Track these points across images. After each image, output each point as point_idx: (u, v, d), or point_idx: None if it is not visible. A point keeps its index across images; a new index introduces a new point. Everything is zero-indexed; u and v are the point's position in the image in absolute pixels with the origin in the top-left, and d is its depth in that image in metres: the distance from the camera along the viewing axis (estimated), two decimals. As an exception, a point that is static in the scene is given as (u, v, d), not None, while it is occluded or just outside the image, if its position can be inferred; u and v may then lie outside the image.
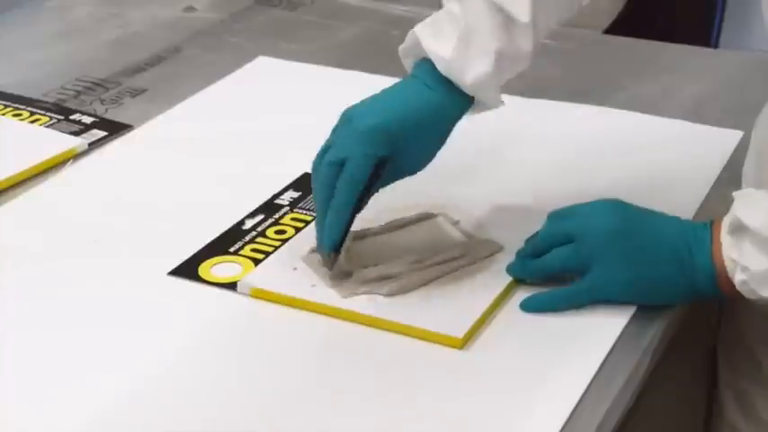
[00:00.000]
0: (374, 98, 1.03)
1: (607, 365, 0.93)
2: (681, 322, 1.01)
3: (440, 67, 1.01)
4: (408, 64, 1.06)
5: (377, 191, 1.02)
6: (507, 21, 1.01)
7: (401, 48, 1.06)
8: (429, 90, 1.02)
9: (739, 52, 1.58)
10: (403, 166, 1.02)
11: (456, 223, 1.10)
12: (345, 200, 0.99)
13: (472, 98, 1.03)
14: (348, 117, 1.01)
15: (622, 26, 2.16)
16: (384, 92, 1.04)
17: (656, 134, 1.28)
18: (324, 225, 1.00)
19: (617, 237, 0.98)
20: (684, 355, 1.11)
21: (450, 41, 1.01)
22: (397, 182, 1.12)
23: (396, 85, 1.05)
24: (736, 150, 1.22)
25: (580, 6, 1.08)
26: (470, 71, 1.01)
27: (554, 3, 1.04)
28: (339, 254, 1.01)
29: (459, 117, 1.04)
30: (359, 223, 1.08)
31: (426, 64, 1.03)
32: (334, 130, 1.02)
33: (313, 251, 1.05)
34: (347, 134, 1.00)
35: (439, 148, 1.03)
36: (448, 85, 1.02)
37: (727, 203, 0.98)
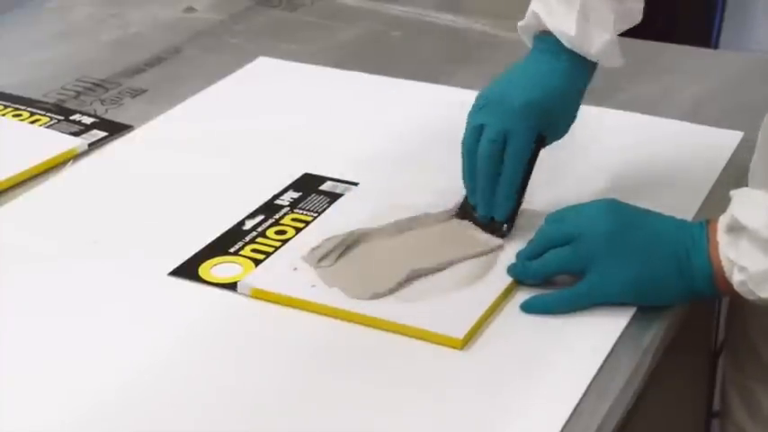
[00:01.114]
0: (513, 76, 1.08)
1: (607, 365, 0.93)
2: (681, 323, 1.01)
3: (565, 42, 1.06)
4: (528, 39, 1.11)
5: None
6: None
7: (520, 25, 1.11)
8: (561, 62, 1.07)
9: (739, 53, 1.58)
10: (550, 136, 1.08)
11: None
12: (516, 172, 1.05)
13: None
14: (497, 96, 1.06)
15: (622, 26, 2.15)
16: (519, 69, 1.08)
17: (656, 134, 1.28)
18: (492, 197, 1.05)
19: (614, 237, 0.98)
20: (684, 355, 1.11)
21: (571, 18, 1.06)
22: (397, 180, 1.12)
23: (526, 61, 1.09)
24: (736, 151, 1.22)
25: None
26: (594, 43, 1.06)
27: None
28: (512, 225, 1.06)
29: (588, 81, 1.10)
30: (362, 223, 1.08)
31: (549, 37, 1.07)
32: (480, 110, 1.06)
33: (313, 251, 1.05)
34: (502, 111, 1.04)
35: (576, 114, 1.09)
36: (575, 55, 1.07)
37: (727, 204, 0.97)
